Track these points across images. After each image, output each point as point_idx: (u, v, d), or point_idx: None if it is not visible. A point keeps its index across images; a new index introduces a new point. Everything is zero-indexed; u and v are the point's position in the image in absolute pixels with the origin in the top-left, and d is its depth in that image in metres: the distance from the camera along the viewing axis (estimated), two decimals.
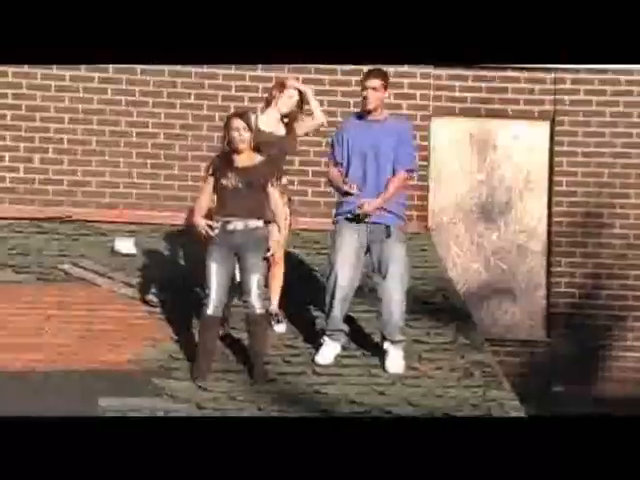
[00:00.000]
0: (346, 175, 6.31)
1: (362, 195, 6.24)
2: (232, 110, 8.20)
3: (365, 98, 6.25)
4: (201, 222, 6.12)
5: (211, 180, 6.18)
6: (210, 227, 6.09)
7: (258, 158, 6.19)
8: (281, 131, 6.69)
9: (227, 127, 6.14)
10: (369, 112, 6.29)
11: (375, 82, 6.24)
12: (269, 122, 6.68)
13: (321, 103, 8.29)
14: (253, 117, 6.46)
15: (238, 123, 6.09)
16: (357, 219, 6.22)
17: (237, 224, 6.12)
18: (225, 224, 6.12)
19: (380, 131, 6.27)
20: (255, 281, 6.11)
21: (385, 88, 6.30)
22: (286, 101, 6.64)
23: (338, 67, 8.32)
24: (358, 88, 8.23)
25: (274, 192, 6.21)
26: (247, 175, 6.12)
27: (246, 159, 6.17)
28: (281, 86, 6.73)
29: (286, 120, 6.70)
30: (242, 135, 6.09)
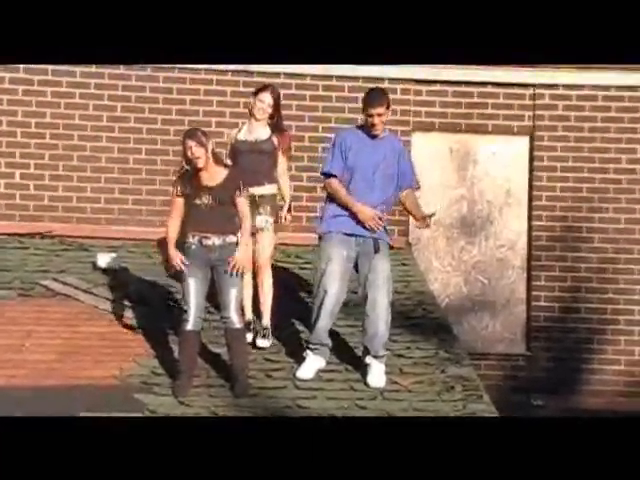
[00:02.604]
0: (348, 187, 6.32)
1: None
2: (213, 125, 8.27)
3: (372, 125, 6.28)
4: (176, 258, 6.13)
5: (181, 200, 6.21)
6: (183, 263, 6.12)
7: (223, 173, 6.22)
8: (260, 137, 6.76)
9: (182, 147, 6.20)
10: (375, 135, 6.33)
11: (381, 109, 6.28)
12: (251, 131, 6.78)
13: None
14: (237, 128, 6.47)
15: (188, 142, 6.14)
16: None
17: (215, 240, 6.16)
18: (202, 239, 6.16)
19: (383, 149, 6.32)
20: (233, 296, 6.15)
21: (388, 108, 6.35)
22: (257, 106, 6.73)
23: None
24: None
25: (241, 202, 6.22)
26: (217, 192, 6.16)
27: (212, 176, 6.19)
28: (254, 93, 6.83)
29: (269, 122, 6.77)
30: (194, 153, 6.12)
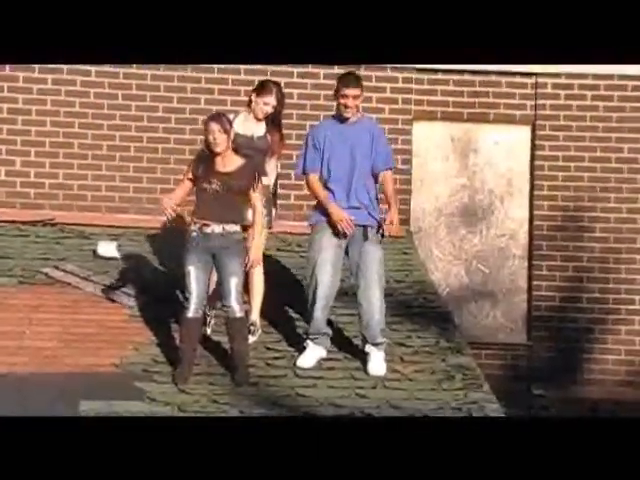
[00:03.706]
0: (328, 177, 6.31)
1: (343, 201, 6.25)
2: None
3: (345, 106, 6.26)
4: (168, 203, 6.13)
5: (189, 183, 6.23)
6: (175, 212, 6.14)
7: (239, 162, 6.22)
8: (257, 132, 6.69)
9: (204, 130, 6.21)
10: (347, 118, 6.31)
11: (356, 91, 6.26)
12: (249, 125, 6.69)
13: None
14: (232, 117, 6.46)
15: (212, 126, 6.13)
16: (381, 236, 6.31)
17: (215, 227, 6.15)
18: (203, 227, 6.16)
19: (356, 132, 6.29)
20: (234, 285, 6.14)
21: (362, 91, 6.33)
22: (261, 108, 6.64)
23: (321, 71, 8.34)
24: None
25: (255, 197, 6.22)
26: (227, 180, 6.15)
27: (227, 163, 6.20)
28: (257, 91, 6.70)
29: (266, 120, 6.69)
30: (217, 138, 6.12)
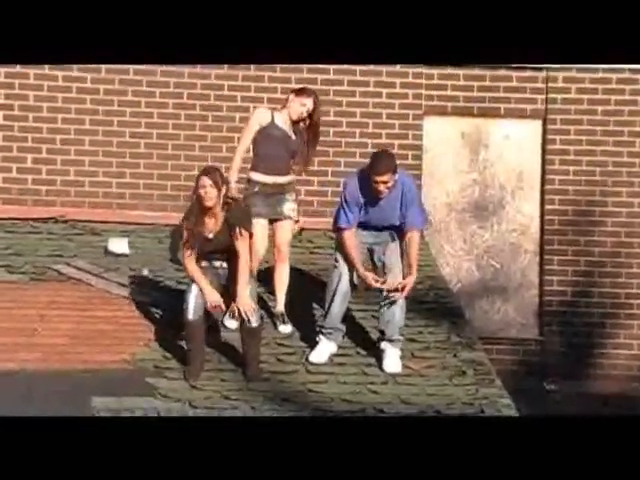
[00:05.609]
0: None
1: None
2: (224, 110, 8.27)
3: (378, 191, 6.22)
4: (217, 300, 6.09)
5: (193, 259, 6.14)
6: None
7: (220, 217, 6.09)
8: (291, 133, 6.71)
9: (195, 184, 6.09)
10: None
11: (385, 177, 6.20)
12: (284, 121, 6.71)
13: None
14: (270, 111, 6.43)
15: (204, 180, 6.03)
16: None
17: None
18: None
19: (387, 202, 6.27)
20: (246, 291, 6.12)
21: (395, 172, 6.24)
22: (297, 108, 6.67)
23: (330, 67, 8.33)
24: (350, 88, 8.40)
25: (239, 245, 6.10)
26: (216, 242, 6.13)
27: (214, 222, 6.09)
28: (296, 92, 6.76)
29: (298, 125, 6.73)
30: (208, 193, 6.03)
